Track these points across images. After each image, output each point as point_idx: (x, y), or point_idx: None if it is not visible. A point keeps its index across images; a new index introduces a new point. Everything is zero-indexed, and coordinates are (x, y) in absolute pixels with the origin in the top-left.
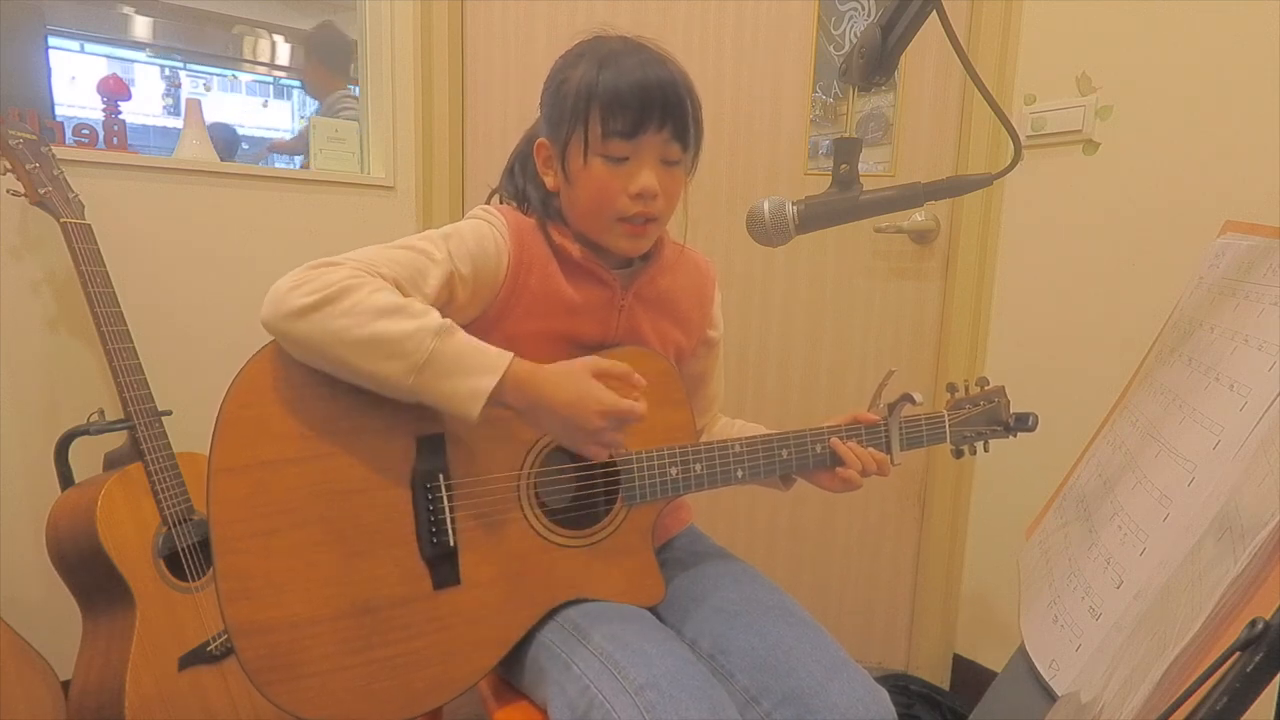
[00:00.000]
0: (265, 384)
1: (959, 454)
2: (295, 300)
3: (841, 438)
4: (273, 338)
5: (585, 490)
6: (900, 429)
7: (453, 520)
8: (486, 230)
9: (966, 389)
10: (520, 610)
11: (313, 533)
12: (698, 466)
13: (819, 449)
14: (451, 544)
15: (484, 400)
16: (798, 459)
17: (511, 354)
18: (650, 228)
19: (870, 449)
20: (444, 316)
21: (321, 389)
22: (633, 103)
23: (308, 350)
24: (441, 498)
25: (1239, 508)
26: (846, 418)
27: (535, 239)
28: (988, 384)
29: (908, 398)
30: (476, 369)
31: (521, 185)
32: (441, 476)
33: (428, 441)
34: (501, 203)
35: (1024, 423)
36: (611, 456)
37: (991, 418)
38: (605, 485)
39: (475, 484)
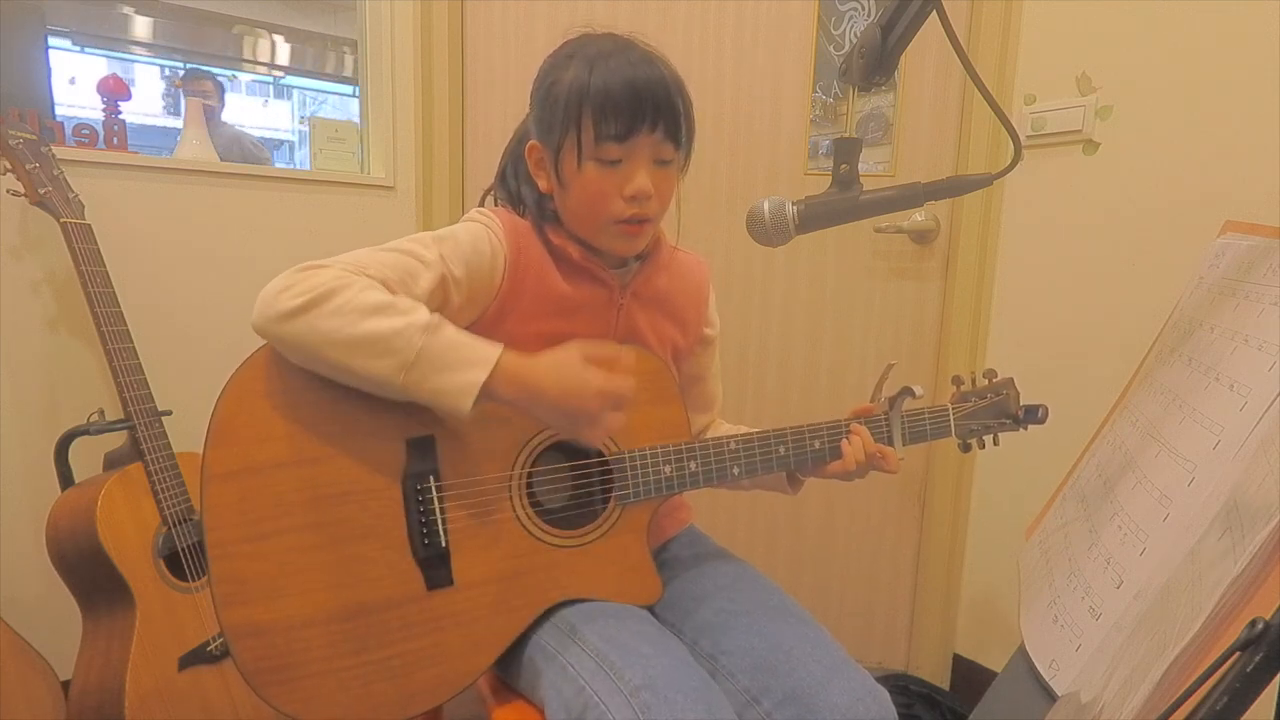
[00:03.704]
0: (257, 389)
1: (966, 448)
2: (284, 303)
3: (842, 432)
4: (264, 342)
5: (578, 489)
6: (902, 422)
7: (444, 521)
8: (482, 233)
9: (973, 381)
10: (514, 611)
11: (305, 536)
12: (692, 464)
13: (817, 445)
14: (443, 545)
15: (475, 394)
16: (795, 455)
17: (501, 345)
18: (645, 228)
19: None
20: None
21: (312, 393)
22: (624, 106)
23: (300, 352)
24: (432, 499)
25: (1239, 508)
26: (847, 414)
27: (532, 241)
28: (996, 376)
29: (908, 391)
30: (466, 363)
31: (515, 188)
32: (432, 478)
33: (418, 443)
34: (496, 204)
35: (1034, 415)
36: (605, 455)
37: (1000, 410)
38: (598, 484)
39: (466, 485)
